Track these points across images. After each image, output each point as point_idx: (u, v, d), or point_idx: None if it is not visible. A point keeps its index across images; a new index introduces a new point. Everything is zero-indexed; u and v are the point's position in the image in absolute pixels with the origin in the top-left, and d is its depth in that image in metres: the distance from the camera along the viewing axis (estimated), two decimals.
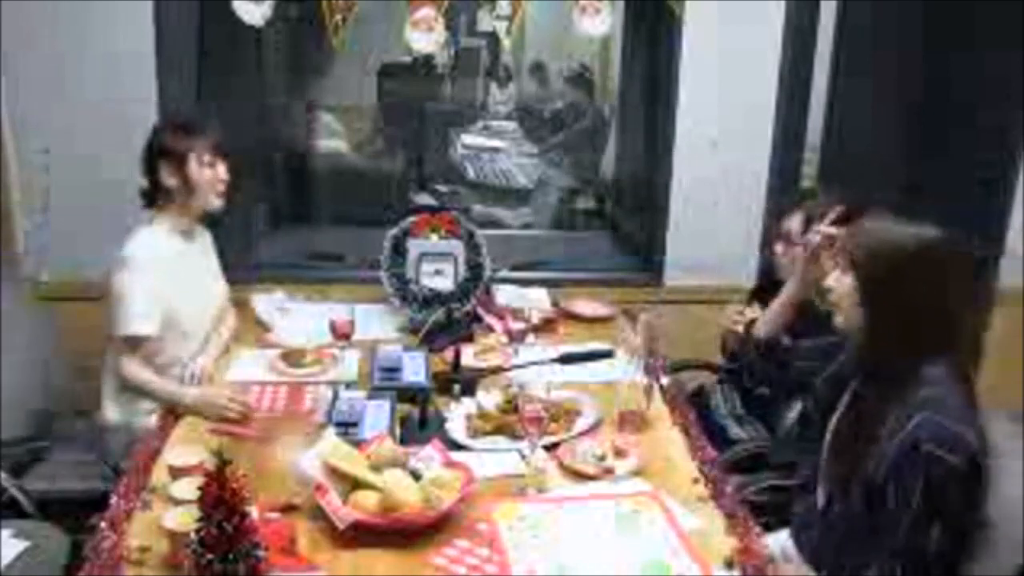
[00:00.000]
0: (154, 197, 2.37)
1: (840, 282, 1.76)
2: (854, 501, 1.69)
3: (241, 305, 2.73)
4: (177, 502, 1.65)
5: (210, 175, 2.35)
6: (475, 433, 2.05)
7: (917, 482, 1.58)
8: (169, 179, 2.33)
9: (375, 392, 2.13)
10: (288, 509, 1.72)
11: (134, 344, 2.28)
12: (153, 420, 2.23)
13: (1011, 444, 1.77)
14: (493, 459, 1.94)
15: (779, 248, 2.44)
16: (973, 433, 1.58)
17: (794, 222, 2.40)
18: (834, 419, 1.83)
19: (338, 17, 2.45)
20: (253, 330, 2.67)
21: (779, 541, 1.93)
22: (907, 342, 1.68)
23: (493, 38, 6.54)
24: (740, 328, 2.43)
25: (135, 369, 2.28)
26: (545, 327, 2.70)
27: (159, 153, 2.33)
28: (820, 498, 1.83)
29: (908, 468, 1.59)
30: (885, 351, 1.71)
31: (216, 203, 2.40)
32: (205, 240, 2.56)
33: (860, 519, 1.68)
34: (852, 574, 1.67)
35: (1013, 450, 1.76)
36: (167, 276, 2.31)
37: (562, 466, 1.92)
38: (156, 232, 2.36)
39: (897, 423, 1.62)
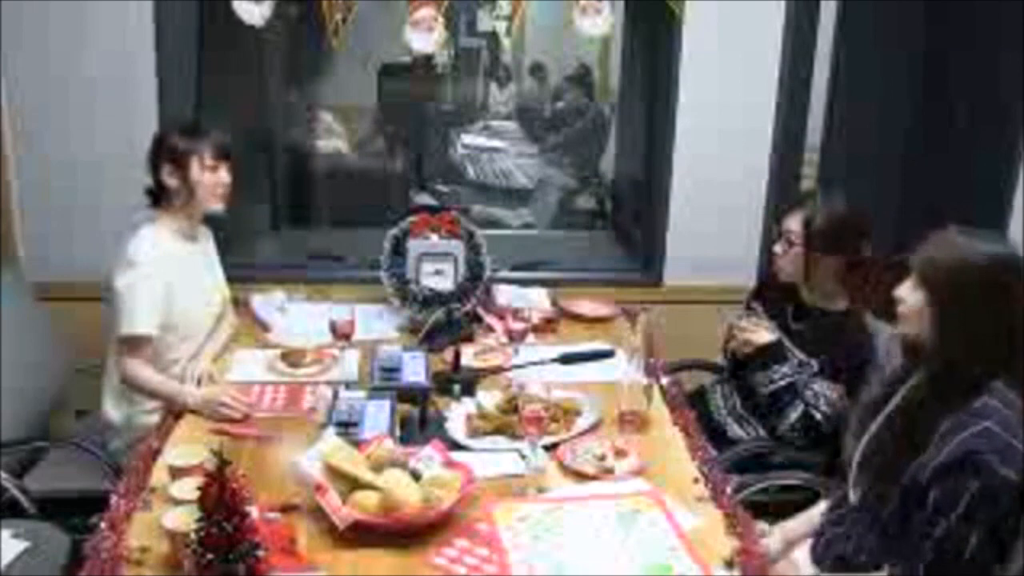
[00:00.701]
0: (158, 197, 2.38)
1: (911, 295, 1.74)
2: (891, 500, 1.69)
3: (241, 305, 2.73)
4: (177, 502, 1.65)
5: (211, 179, 2.35)
6: (475, 433, 2.05)
7: (966, 489, 1.58)
8: (170, 180, 2.34)
9: (375, 392, 2.13)
10: (288, 509, 1.72)
11: (135, 345, 2.28)
12: (153, 420, 2.23)
13: None
14: (493, 459, 1.94)
15: (779, 248, 2.44)
16: None
17: (794, 222, 2.40)
18: (881, 418, 1.82)
19: (338, 17, 2.44)
20: (253, 330, 2.67)
21: (777, 541, 1.94)
22: (975, 357, 1.68)
23: (493, 38, 6.55)
24: (744, 342, 2.44)
25: (136, 369, 2.28)
26: (545, 327, 2.70)
27: (162, 154, 2.34)
28: (852, 496, 1.82)
29: (958, 474, 1.59)
30: (953, 364, 1.70)
31: (217, 207, 2.40)
32: (207, 240, 2.56)
33: (894, 518, 1.69)
34: (878, 570, 1.68)
35: None
36: (169, 277, 2.31)
37: (562, 466, 1.92)
38: (158, 232, 2.36)
39: (953, 428, 1.62)
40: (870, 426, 1.83)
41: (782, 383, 2.36)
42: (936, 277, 1.71)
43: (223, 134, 2.41)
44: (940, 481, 1.61)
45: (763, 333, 2.42)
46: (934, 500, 1.61)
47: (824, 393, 2.31)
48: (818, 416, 2.30)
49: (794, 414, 2.34)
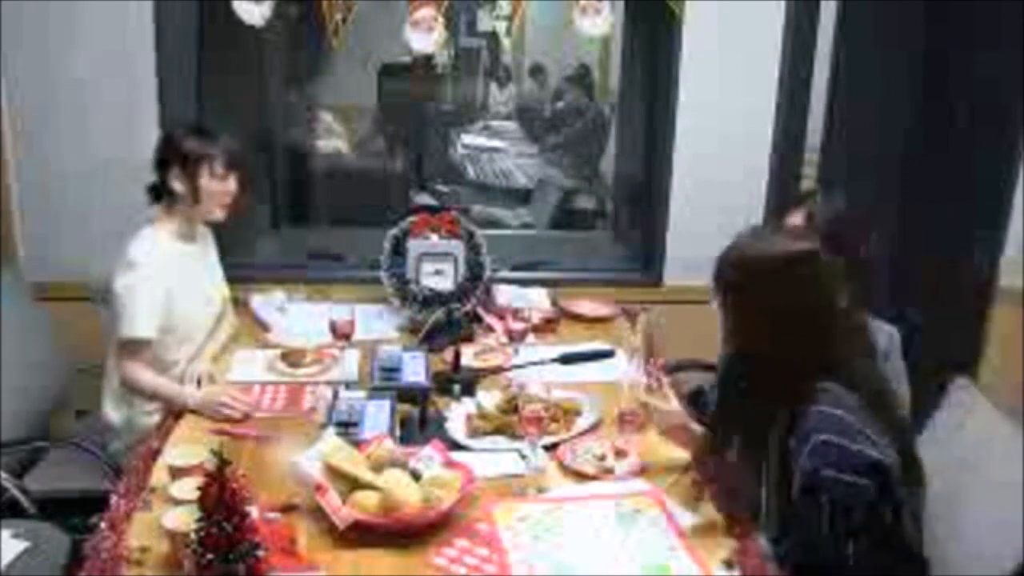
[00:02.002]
0: (160, 196, 2.37)
1: (712, 300, 1.78)
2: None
3: (241, 305, 2.73)
4: (177, 502, 1.65)
5: (219, 187, 2.33)
6: (475, 433, 2.05)
7: (823, 508, 1.55)
8: (177, 184, 2.32)
9: (375, 392, 2.13)
10: (288, 509, 1.72)
11: (135, 348, 2.27)
12: (154, 420, 2.23)
13: (1009, 448, 1.77)
14: (493, 459, 1.94)
15: None
16: (872, 446, 1.56)
17: (796, 219, 2.39)
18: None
19: (338, 17, 2.44)
20: (253, 330, 2.67)
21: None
22: (772, 355, 1.67)
23: (493, 38, 6.55)
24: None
25: (136, 372, 2.27)
26: (545, 327, 2.70)
27: (173, 156, 2.31)
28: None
29: (810, 496, 1.56)
30: (759, 367, 1.69)
31: (218, 216, 2.39)
32: (207, 241, 2.55)
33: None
34: None
35: (1012, 443, 1.77)
36: (169, 279, 2.31)
37: (562, 466, 1.92)
38: (159, 234, 2.35)
39: (795, 451, 1.59)
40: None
41: None
42: (716, 280, 1.76)
43: (235, 141, 2.38)
44: (801, 504, 1.58)
45: None
46: (805, 521, 1.58)
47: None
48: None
49: None
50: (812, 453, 1.56)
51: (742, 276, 1.71)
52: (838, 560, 1.55)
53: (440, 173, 5.80)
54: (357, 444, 1.84)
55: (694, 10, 2.87)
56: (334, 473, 1.72)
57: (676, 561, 1.59)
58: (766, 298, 1.67)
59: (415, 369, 2.28)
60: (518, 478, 1.86)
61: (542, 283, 3.01)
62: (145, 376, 2.27)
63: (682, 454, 1.93)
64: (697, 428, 1.92)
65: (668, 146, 3.08)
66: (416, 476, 1.75)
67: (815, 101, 3.14)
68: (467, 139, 6.22)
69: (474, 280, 2.73)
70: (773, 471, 1.69)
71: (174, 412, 2.17)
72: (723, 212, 3.09)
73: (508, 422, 2.05)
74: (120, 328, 2.26)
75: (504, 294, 2.85)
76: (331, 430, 1.91)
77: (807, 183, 3.25)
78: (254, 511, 1.53)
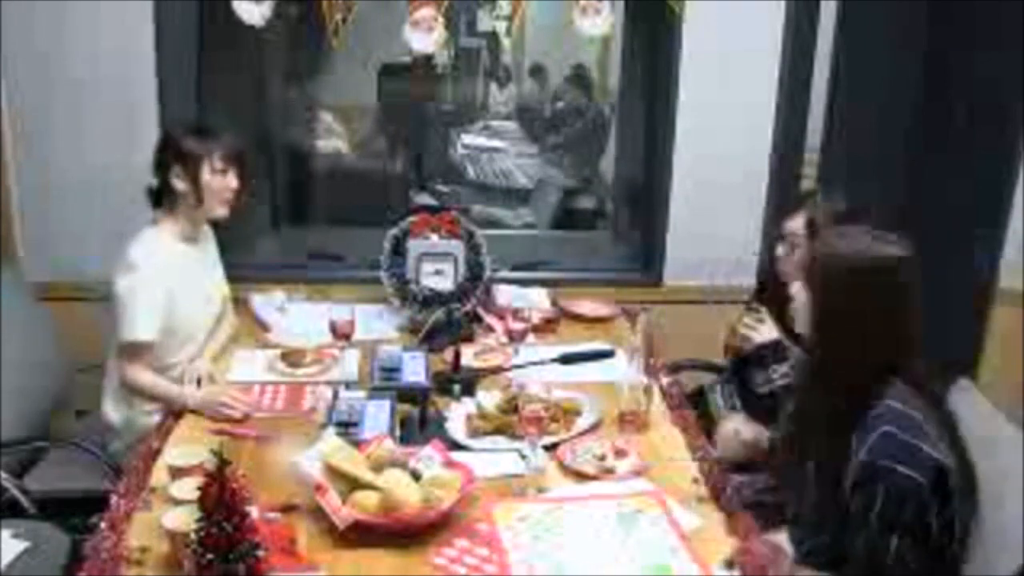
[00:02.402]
0: (160, 197, 2.36)
1: (799, 292, 1.77)
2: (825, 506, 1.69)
3: (241, 305, 2.73)
4: (177, 502, 1.65)
5: (220, 183, 2.33)
6: (475, 433, 2.05)
7: (875, 497, 1.57)
8: (178, 182, 2.31)
9: (375, 392, 2.13)
10: (288, 509, 1.72)
11: (136, 350, 2.27)
12: (154, 420, 2.23)
13: (1010, 449, 1.77)
14: (493, 459, 1.94)
15: (781, 250, 2.42)
16: (933, 446, 1.58)
17: (797, 223, 2.38)
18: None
19: (338, 17, 2.44)
20: (253, 330, 2.67)
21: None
22: (855, 355, 1.67)
23: (493, 38, 6.54)
24: (749, 340, 2.43)
25: (137, 373, 2.27)
26: (545, 327, 2.70)
27: (173, 155, 2.31)
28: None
29: (866, 485, 1.59)
30: (836, 363, 1.70)
31: (221, 212, 2.38)
32: (209, 242, 2.55)
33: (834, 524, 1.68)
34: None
35: (1013, 443, 1.77)
36: (170, 281, 2.30)
37: (562, 466, 1.92)
38: (160, 235, 2.35)
39: (858, 442, 1.61)
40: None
41: (781, 383, 2.36)
42: (811, 272, 1.73)
43: (235, 138, 2.38)
44: (853, 494, 1.60)
45: (763, 332, 2.42)
46: (852, 513, 1.60)
47: None
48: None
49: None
50: (874, 444, 1.58)
51: (831, 276, 1.71)
52: (875, 555, 1.57)
53: (440, 173, 5.79)
54: (357, 444, 1.84)
55: (694, 10, 2.87)
56: (334, 473, 1.72)
57: (677, 561, 1.59)
58: (851, 299, 1.68)
59: (415, 369, 2.28)
60: (518, 478, 1.86)
61: (542, 283, 3.01)
62: (145, 377, 2.27)
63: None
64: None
65: (668, 146, 3.08)
66: (416, 476, 1.75)
67: (815, 101, 3.14)
68: (467, 139, 6.21)
69: (474, 280, 2.73)
70: (825, 468, 1.69)
71: (174, 412, 2.17)
72: (723, 213, 3.11)
73: (508, 422, 2.05)
74: (121, 330, 2.26)
75: (504, 294, 2.85)
76: (331, 430, 1.91)
77: (807, 183, 3.25)
78: (254, 511, 1.53)
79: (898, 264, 1.67)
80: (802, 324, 1.78)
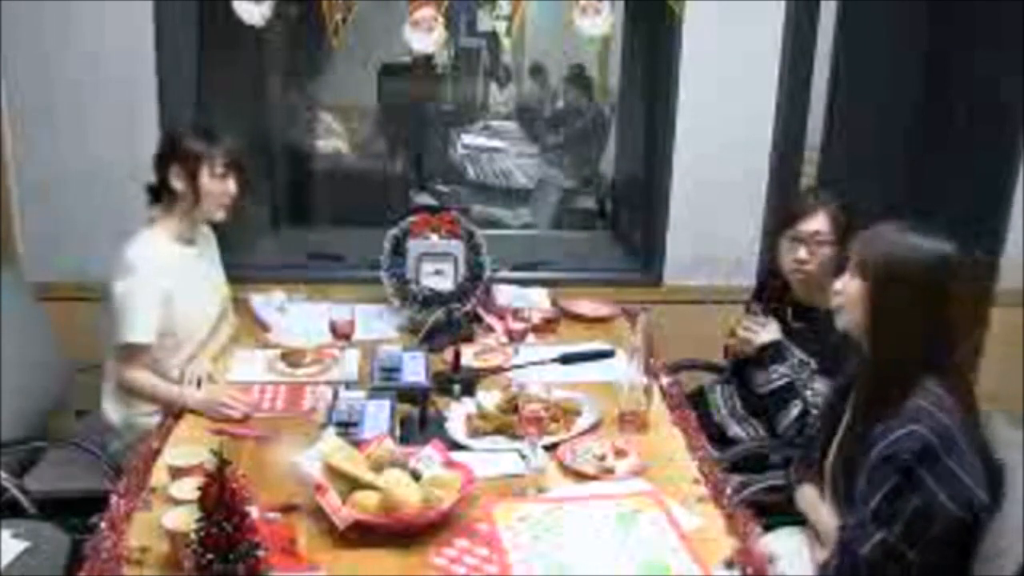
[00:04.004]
0: (159, 196, 2.36)
1: (849, 285, 1.77)
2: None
3: (241, 305, 2.73)
4: (177, 502, 1.65)
5: (219, 187, 2.33)
6: (475, 433, 2.05)
7: (881, 488, 1.61)
8: (177, 182, 2.31)
9: (375, 392, 2.13)
10: (288, 509, 1.72)
11: (134, 353, 2.27)
12: (153, 420, 2.23)
13: (1010, 450, 1.77)
14: (493, 459, 1.94)
15: (803, 253, 2.36)
16: (969, 471, 1.62)
17: (818, 223, 2.34)
18: (843, 425, 1.84)
19: (338, 17, 2.44)
20: (253, 330, 2.67)
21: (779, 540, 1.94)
22: (908, 351, 1.70)
23: (493, 38, 6.54)
24: (749, 343, 2.43)
25: (136, 375, 2.27)
26: (545, 327, 2.70)
27: (174, 154, 2.31)
28: (828, 496, 1.86)
29: (880, 474, 1.62)
30: (886, 358, 1.73)
31: (219, 216, 2.38)
32: (208, 242, 2.54)
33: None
34: None
35: (1013, 444, 1.77)
36: (167, 283, 2.30)
37: (562, 466, 1.92)
38: (158, 236, 2.34)
39: (887, 429, 1.64)
40: (837, 428, 1.86)
41: (780, 383, 2.36)
42: (875, 266, 1.73)
43: (236, 143, 2.38)
44: (865, 480, 1.65)
45: (763, 333, 2.42)
46: (859, 496, 1.65)
47: (822, 392, 2.31)
48: (816, 414, 2.30)
49: (793, 413, 2.33)
50: (899, 439, 1.61)
51: (889, 274, 1.72)
52: (855, 541, 1.63)
53: (440, 173, 5.79)
54: (357, 444, 1.84)
55: (694, 10, 2.87)
56: (334, 473, 1.72)
57: (676, 561, 1.59)
58: (917, 294, 1.69)
59: (415, 369, 2.27)
60: (518, 478, 1.86)
61: (542, 283, 3.02)
62: (144, 379, 2.27)
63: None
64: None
65: (668, 146, 3.08)
66: (416, 476, 1.75)
67: (815, 101, 3.14)
68: (467, 139, 6.22)
69: (474, 280, 2.72)
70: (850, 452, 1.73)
71: (174, 412, 2.16)
72: (723, 212, 3.12)
73: (508, 422, 2.05)
74: (118, 333, 2.26)
75: (504, 294, 2.85)
76: (331, 430, 1.91)
77: (806, 182, 3.25)
78: (254, 511, 1.53)
79: (957, 261, 1.71)
80: (849, 319, 1.78)
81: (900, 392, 1.66)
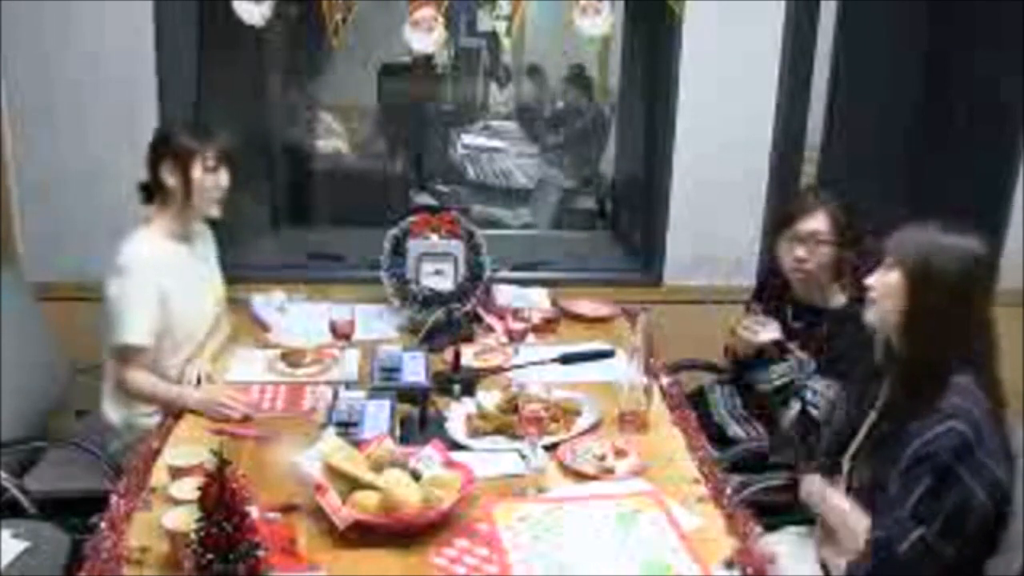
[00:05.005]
0: (152, 194, 2.36)
1: (883, 279, 1.77)
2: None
3: (240, 305, 2.73)
4: (177, 502, 1.65)
5: (211, 181, 2.32)
6: (475, 433, 2.05)
7: (918, 486, 1.63)
8: (169, 178, 2.31)
9: (375, 392, 2.13)
10: (288, 509, 1.72)
11: (131, 354, 2.26)
12: (153, 421, 2.23)
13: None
14: (493, 459, 1.94)
15: (802, 252, 2.37)
16: (997, 463, 1.64)
17: (817, 222, 2.35)
18: (869, 420, 1.85)
19: (338, 17, 2.44)
20: (253, 330, 2.67)
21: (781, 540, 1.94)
22: (943, 348, 1.72)
23: (493, 38, 6.54)
24: (750, 342, 2.43)
25: (134, 377, 2.27)
26: (545, 327, 2.70)
27: (165, 150, 2.31)
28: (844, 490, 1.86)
29: (917, 472, 1.63)
30: (921, 354, 1.74)
31: (213, 211, 2.37)
32: (205, 241, 2.53)
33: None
34: None
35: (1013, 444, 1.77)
36: (163, 282, 2.29)
37: (562, 466, 1.92)
38: (152, 235, 2.33)
39: (923, 427, 1.65)
40: (861, 424, 1.86)
41: (780, 382, 2.37)
42: (914, 260, 1.74)
43: (228, 137, 2.37)
44: (901, 477, 1.66)
45: (763, 332, 2.42)
46: (891, 496, 1.66)
47: (822, 391, 2.31)
48: (815, 414, 2.30)
49: (792, 412, 2.33)
50: (936, 436, 1.63)
51: (926, 270, 1.73)
52: (895, 540, 1.64)
53: (440, 173, 5.79)
54: (357, 444, 1.84)
55: (694, 10, 2.86)
56: (334, 473, 1.72)
57: (676, 561, 1.59)
58: (956, 292, 1.71)
59: (415, 369, 2.27)
60: (518, 478, 1.86)
61: (542, 283, 3.02)
62: (143, 381, 2.27)
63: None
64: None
65: (668, 146, 3.08)
66: (416, 476, 1.75)
67: (815, 101, 3.14)
68: (467, 139, 6.21)
69: (474, 280, 2.72)
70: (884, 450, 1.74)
71: (174, 412, 2.16)
72: (723, 212, 3.12)
73: (508, 422, 2.05)
74: (115, 334, 2.25)
75: (504, 294, 2.85)
76: (331, 430, 1.91)
77: (806, 182, 3.25)
78: (254, 511, 1.53)
79: (988, 259, 1.75)
80: (881, 315, 1.79)
81: (935, 389, 1.68)
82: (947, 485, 1.62)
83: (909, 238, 1.77)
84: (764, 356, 2.41)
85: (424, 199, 5.07)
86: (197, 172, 2.30)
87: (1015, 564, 1.66)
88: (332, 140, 5.42)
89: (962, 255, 1.71)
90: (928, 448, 1.63)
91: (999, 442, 1.66)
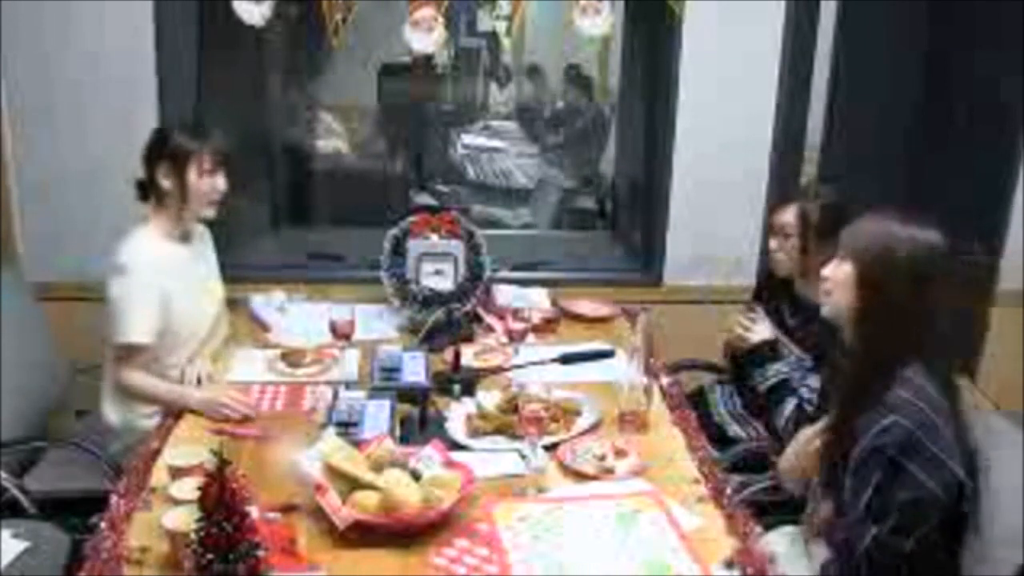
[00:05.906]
0: (148, 193, 2.35)
1: (836, 271, 1.77)
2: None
3: (240, 305, 2.73)
4: (177, 502, 1.65)
5: (208, 184, 2.31)
6: (475, 433, 2.05)
7: (869, 483, 1.62)
8: (165, 180, 2.30)
9: (375, 392, 2.13)
10: (288, 509, 1.72)
11: (131, 353, 2.26)
12: (153, 422, 2.23)
13: (1010, 450, 1.77)
14: (493, 459, 1.94)
15: (774, 243, 2.45)
16: (951, 455, 1.62)
17: (787, 215, 2.41)
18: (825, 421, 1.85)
19: (338, 17, 2.44)
20: (253, 330, 2.67)
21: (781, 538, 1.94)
22: (891, 339, 1.70)
23: (493, 38, 6.53)
24: (745, 341, 2.44)
25: (134, 377, 2.27)
26: (545, 327, 2.70)
27: (161, 152, 2.30)
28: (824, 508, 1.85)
29: (867, 468, 1.63)
30: (870, 346, 1.73)
31: (208, 213, 2.37)
32: (204, 241, 2.53)
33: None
34: None
35: (1013, 444, 1.77)
36: (163, 282, 2.28)
37: (562, 466, 1.92)
38: (151, 235, 2.33)
39: (870, 421, 1.64)
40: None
41: (776, 379, 2.37)
42: (864, 252, 1.73)
43: (224, 139, 2.37)
44: (852, 476, 1.65)
45: (758, 331, 2.43)
46: (847, 494, 1.66)
47: (818, 388, 2.31)
48: (811, 411, 2.30)
49: (788, 409, 2.33)
50: (883, 431, 1.61)
51: (876, 259, 1.72)
52: (853, 540, 1.63)
53: (440, 173, 5.79)
54: (357, 444, 1.84)
55: (694, 10, 2.87)
56: (334, 473, 1.72)
57: (676, 561, 1.59)
58: (908, 283, 1.69)
59: (415, 369, 2.27)
60: (518, 478, 1.86)
61: (542, 283, 3.02)
62: (143, 380, 2.27)
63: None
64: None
65: (668, 146, 3.08)
66: (416, 476, 1.75)
67: (815, 101, 3.14)
68: (467, 139, 6.21)
69: (474, 280, 2.72)
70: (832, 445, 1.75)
71: (174, 412, 2.16)
72: (723, 212, 3.12)
73: (508, 422, 2.05)
74: (115, 334, 2.25)
75: (504, 294, 2.85)
76: (331, 430, 1.91)
77: (806, 182, 3.25)
78: (254, 511, 1.53)
79: (945, 252, 1.71)
80: (834, 305, 1.79)
81: (882, 382, 1.66)
82: (897, 480, 1.61)
83: (862, 230, 1.76)
84: (760, 353, 2.42)
85: (424, 199, 5.07)
86: (193, 175, 2.29)
87: (1013, 562, 1.65)
88: (332, 140, 5.41)
89: (914, 247, 1.69)
90: (874, 443, 1.62)
91: (952, 433, 1.64)
